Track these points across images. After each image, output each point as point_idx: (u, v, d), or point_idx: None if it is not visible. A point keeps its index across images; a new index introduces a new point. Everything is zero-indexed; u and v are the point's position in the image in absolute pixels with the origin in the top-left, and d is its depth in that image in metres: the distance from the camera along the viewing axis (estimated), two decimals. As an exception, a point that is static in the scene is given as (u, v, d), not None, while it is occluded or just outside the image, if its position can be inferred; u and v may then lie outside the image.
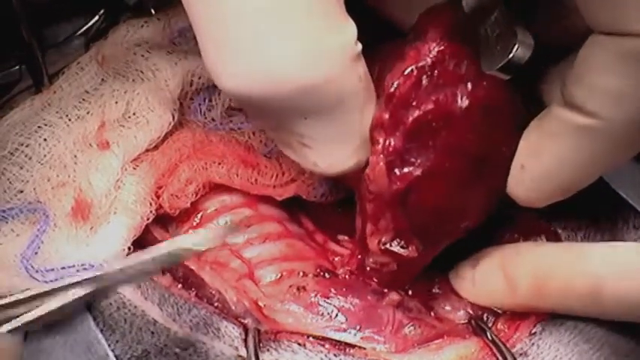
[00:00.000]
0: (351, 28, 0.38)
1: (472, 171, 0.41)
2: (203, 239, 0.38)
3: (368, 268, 0.46)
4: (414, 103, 0.40)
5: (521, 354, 0.42)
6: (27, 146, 0.46)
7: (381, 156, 0.41)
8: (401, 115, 0.40)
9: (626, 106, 0.34)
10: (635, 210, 0.47)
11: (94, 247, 0.43)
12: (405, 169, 0.41)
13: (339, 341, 0.43)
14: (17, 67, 0.48)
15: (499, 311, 0.45)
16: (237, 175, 0.47)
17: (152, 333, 0.41)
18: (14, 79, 0.48)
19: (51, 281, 0.42)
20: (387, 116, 0.40)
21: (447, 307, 0.47)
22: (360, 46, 0.38)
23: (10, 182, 0.45)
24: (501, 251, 0.45)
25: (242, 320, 0.43)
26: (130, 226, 0.44)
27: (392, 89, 0.40)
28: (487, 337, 0.43)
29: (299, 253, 0.48)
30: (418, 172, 0.41)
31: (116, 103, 0.47)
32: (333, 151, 0.41)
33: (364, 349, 0.43)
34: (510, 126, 0.41)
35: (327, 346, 0.42)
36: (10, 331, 0.39)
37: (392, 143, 0.40)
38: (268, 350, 0.41)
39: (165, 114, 0.47)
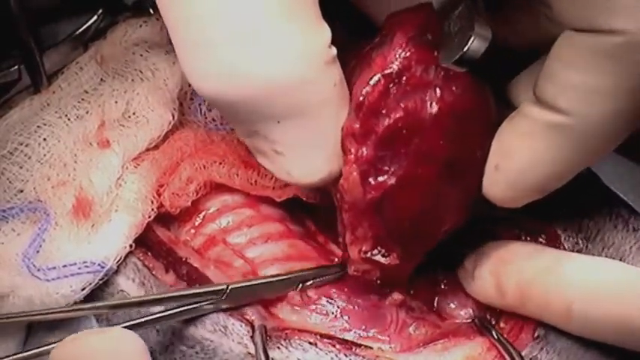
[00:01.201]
0: (325, 32, 0.38)
1: (445, 175, 0.41)
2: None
3: (352, 274, 0.45)
4: (384, 112, 0.39)
5: (531, 358, 0.42)
6: (26, 146, 0.46)
7: (354, 166, 0.40)
8: (371, 124, 0.40)
9: (597, 102, 0.34)
10: (634, 212, 0.47)
11: (96, 245, 0.43)
12: (379, 178, 0.40)
13: (348, 341, 0.43)
14: (16, 67, 0.48)
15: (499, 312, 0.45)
16: (238, 176, 0.47)
17: (157, 331, 0.41)
18: (13, 79, 0.48)
19: (53, 279, 0.42)
20: (357, 125, 0.40)
21: (453, 305, 0.47)
22: (334, 50, 0.38)
23: (9, 182, 0.45)
24: (495, 256, 0.45)
25: (248, 317, 0.43)
26: (132, 223, 0.44)
27: (361, 98, 0.39)
28: (493, 336, 0.43)
29: (301, 253, 0.48)
30: (392, 180, 0.40)
31: (116, 102, 0.47)
32: (306, 158, 0.40)
33: (371, 349, 0.43)
34: (483, 129, 0.41)
35: (337, 346, 0.42)
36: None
37: (364, 152, 0.40)
38: (279, 348, 0.41)
39: (166, 113, 0.47)
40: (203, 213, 0.49)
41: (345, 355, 0.42)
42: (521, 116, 0.37)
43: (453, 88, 0.39)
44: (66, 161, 0.46)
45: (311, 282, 0.44)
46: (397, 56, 0.39)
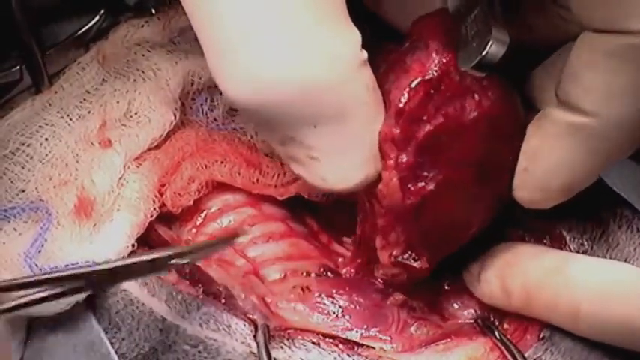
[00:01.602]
0: (355, 35, 0.38)
1: (479, 180, 0.41)
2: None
3: (380, 277, 0.46)
4: (425, 118, 0.40)
5: (535, 359, 0.42)
6: (28, 146, 0.46)
7: (394, 172, 0.40)
8: (412, 130, 0.40)
9: (619, 103, 0.34)
10: (638, 212, 0.47)
11: (98, 245, 0.43)
12: (419, 184, 0.41)
13: (351, 341, 0.43)
14: (17, 68, 0.48)
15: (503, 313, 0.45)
16: (239, 175, 0.47)
17: (160, 330, 0.41)
18: (14, 79, 0.48)
19: (55, 279, 0.42)
20: (397, 131, 0.40)
21: (456, 305, 0.47)
22: (365, 54, 0.38)
23: (11, 182, 0.45)
24: (501, 258, 0.45)
25: (250, 316, 0.43)
26: (134, 223, 0.44)
27: (401, 104, 0.40)
28: (495, 336, 0.43)
29: (303, 252, 0.48)
30: (431, 186, 0.41)
31: (117, 102, 0.47)
32: (342, 163, 0.40)
33: (374, 348, 0.43)
34: (513, 132, 0.41)
35: (340, 345, 0.42)
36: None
37: (404, 159, 0.40)
38: (282, 347, 0.41)
39: (167, 113, 0.47)
40: (204, 212, 0.49)
41: (348, 355, 0.42)
42: (546, 119, 0.37)
43: (489, 94, 0.40)
44: (68, 161, 0.46)
45: (186, 260, 0.39)
46: (436, 62, 0.39)
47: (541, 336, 0.43)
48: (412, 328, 0.45)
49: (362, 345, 0.43)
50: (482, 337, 0.44)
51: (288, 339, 0.42)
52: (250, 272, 0.46)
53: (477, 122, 0.40)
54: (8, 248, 0.43)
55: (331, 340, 0.42)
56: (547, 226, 0.48)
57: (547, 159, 0.38)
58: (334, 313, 0.45)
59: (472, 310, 0.46)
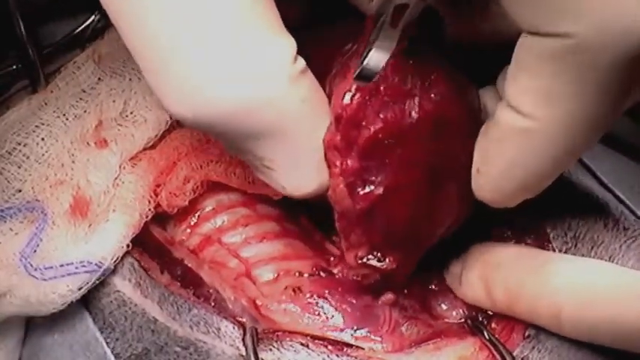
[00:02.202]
0: (286, 47, 0.37)
1: (432, 181, 0.41)
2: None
3: (352, 278, 0.46)
4: (364, 123, 0.39)
5: (522, 358, 0.42)
6: (25, 145, 0.46)
7: (340, 178, 0.40)
8: (353, 135, 0.39)
9: (558, 105, 0.34)
10: (625, 210, 0.47)
11: (93, 245, 0.43)
12: (367, 188, 0.40)
13: (340, 342, 0.43)
14: (13, 67, 0.48)
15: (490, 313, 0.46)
16: (235, 175, 0.47)
17: (152, 331, 0.41)
18: (10, 78, 0.48)
19: (50, 279, 0.42)
20: (338, 138, 0.39)
21: (444, 306, 0.47)
22: (300, 64, 0.38)
23: (8, 181, 0.45)
24: (483, 260, 0.45)
25: (239, 319, 0.43)
26: (129, 223, 0.44)
27: (339, 110, 0.39)
28: (484, 336, 0.43)
29: (296, 252, 0.48)
30: (380, 190, 0.40)
31: (113, 101, 0.47)
32: (294, 173, 0.40)
33: (363, 349, 0.43)
34: (465, 132, 0.40)
35: (329, 347, 0.42)
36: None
37: (349, 164, 0.40)
38: (271, 350, 0.41)
39: (163, 113, 0.47)
40: (199, 212, 0.49)
41: (337, 356, 0.42)
42: (494, 121, 0.37)
43: (432, 96, 0.39)
44: (64, 161, 0.46)
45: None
46: None
47: (527, 334, 0.43)
48: (403, 328, 0.45)
49: (351, 346, 0.43)
50: (471, 337, 0.44)
51: (276, 341, 0.42)
52: (243, 274, 0.46)
53: (420, 125, 0.39)
54: (4, 248, 0.44)
55: (320, 342, 0.42)
56: (531, 222, 0.47)
57: (497, 161, 0.38)
58: (325, 313, 0.45)
59: (460, 311, 0.46)
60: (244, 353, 0.41)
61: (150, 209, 0.45)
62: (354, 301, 0.45)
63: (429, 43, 0.40)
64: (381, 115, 0.39)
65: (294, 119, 0.37)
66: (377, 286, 0.45)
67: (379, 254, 0.43)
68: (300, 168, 0.40)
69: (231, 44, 0.36)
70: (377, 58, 0.36)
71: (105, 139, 0.46)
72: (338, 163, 0.40)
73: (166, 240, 0.46)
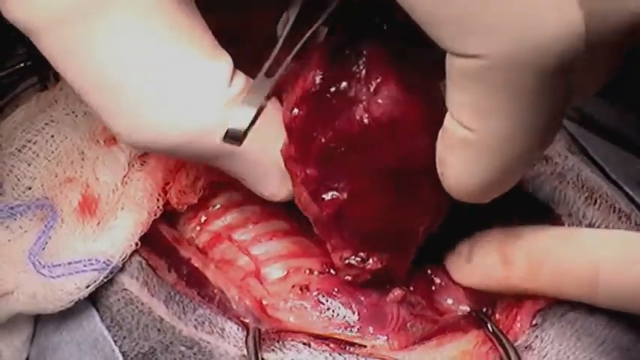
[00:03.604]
0: (221, 71, 0.38)
1: (397, 182, 0.40)
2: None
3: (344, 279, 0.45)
4: (315, 134, 0.39)
5: (526, 347, 0.42)
6: (34, 143, 0.46)
7: (302, 186, 0.40)
8: (306, 145, 0.39)
9: (489, 118, 0.33)
10: (623, 203, 0.47)
11: (101, 243, 0.43)
12: (331, 195, 0.40)
13: (342, 340, 0.43)
14: (22, 65, 0.48)
15: (496, 302, 0.45)
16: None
17: (158, 330, 0.41)
18: (19, 76, 0.48)
19: (58, 277, 0.42)
20: (293, 149, 0.39)
21: (450, 300, 0.46)
22: (238, 84, 0.38)
23: (18, 179, 0.45)
24: (501, 232, 0.43)
25: (243, 319, 0.43)
26: (138, 221, 0.44)
27: (289, 123, 0.39)
28: (488, 329, 0.42)
29: (306, 249, 0.47)
30: (344, 195, 0.40)
31: (123, 99, 0.47)
32: (262, 182, 0.42)
33: (365, 347, 0.43)
34: (426, 131, 0.39)
35: (331, 345, 0.42)
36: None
37: (308, 173, 0.40)
38: (273, 350, 0.41)
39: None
40: (208, 210, 0.49)
41: (339, 354, 0.41)
42: (444, 129, 0.36)
43: (379, 101, 0.38)
44: (73, 158, 0.46)
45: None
46: (315, 76, 0.38)
47: (533, 323, 0.43)
48: (409, 325, 0.44)
49: (354, 344, 0.43)
50: (475, 330, 0.43)
51: (279, 341, 0.41)
52: (251, 273, 0.46)
53: (371, 130, 0.38)
54: (13, 246, 0.44)
55: (321, 340, 0.42)
56: (544, 210, 0.47)
57: (451, 168, 0.37)
58: (333, 311, 0.45)
59: (466, 305, 0.46)
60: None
61: (159, 207, 0.45)
62: (363, 299, 0.45)
63: (372, 43, 0.38)
64: (330, 124, 0.38)
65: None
66: (382, 283, 0.45)
67: (363, 255, 0.43)
68: (266, 178, 0.41)
69: (169, 79, 0.37)
70: (243, 116, 0.34)
71: (114, 137, 0.46)
72: (298, 172, 0.40)
73: (174, 238, 0.46)
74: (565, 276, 0.40)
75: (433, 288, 0.47)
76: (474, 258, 0.44)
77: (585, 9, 0.31)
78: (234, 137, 0.34)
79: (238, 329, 0.42)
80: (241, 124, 0.34)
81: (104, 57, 0.37)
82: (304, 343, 0.41)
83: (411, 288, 0.46)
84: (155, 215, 0.45)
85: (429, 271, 0.47)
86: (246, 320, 0.43)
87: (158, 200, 0.45)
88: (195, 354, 0.40)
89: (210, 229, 0.48)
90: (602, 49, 0.34)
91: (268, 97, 0.35)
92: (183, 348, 0.40)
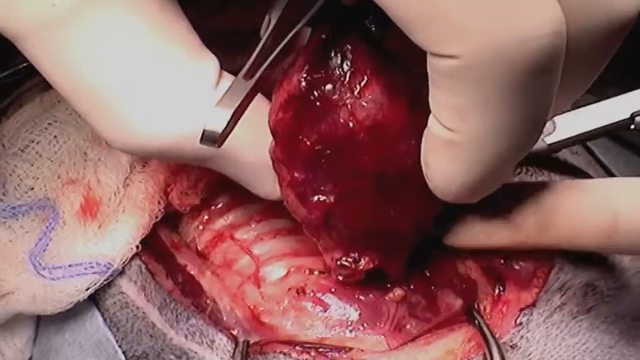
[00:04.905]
0: (207, 73, 0.38)
1: (384, 184, 0.40)
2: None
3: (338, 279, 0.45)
4: (300, 137, 0.38)
5: (511, 346, 0.42)
6: (37, 143, 0.46)
7: (289, 189, 0.40)
8: (291, 148, 0.39)
9: (470, 118, 0.32)
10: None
11: (102, 246, 0.43)
12: (318, 198, 0.40)
13: (333, 345, 0.42)
14: (25, 64, 0.48)
15: (485, 301, 0.45)
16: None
17: (150, 336, 0.41)
18: (23, 76, 0.48)
19: (58, 279, 0.42)
20: (279, 151, 0.39)
21: (447, 299, 0.46)
22: (224, 89, 0.37)
23: (20, 179, 0.45)
24: (511, 192, 0.42)
25: (232, 332, 0.43)
26: (139, 224, 0.44)
27: (273, 126, 0.38)
28: (475, 325, 0.42)
29: (308, 248, 0.47)
30: (331, 198, 0.39)
31: (126, 99, 0.47)
32: (255, 182, 0.41)
33: (352, 349, 0.42)
34: (411, 131, 0.38)
35: (312, 353, 0.42)
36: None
37: (295, 176, 0.39)
38: (256, 363, 0.41)
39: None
40: (211, 208, 0.49)
41: None
42: (427, 130, 0.35)
43: (364, 104, 0.37)
44: (76, 160, 0.46)
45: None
46: (301, 79, 0.37)
47: (517, 322, 0.42)
48: (407, 324, 0.44)
49: (344, 348, 0.42)
50: (464, 328, 0.43)
51: (261, 354, 0.41)
52: (249, 277, 0.46)
53: (355, 133, 0.38)
54: (15, 246, 0.44)
55: (301, 348, 0.42)
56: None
57: (436, 169, 0.36)
58: (329, 312, 0.45)
59: (460, 301, 0.45)
60: (234, 366, 0.41)
61: (160, 210, 0.45)
62: (363, 298, 0.45)
63: (356, 45, 0.38)
64: (315, 128, 0.38)
65: (228, 141, 0.36)
66: (382, 281, 0.45)
67: (355, 255, 0.42)
68: (259, 178, 0.41)
69: (155, 83, 0.37)
70: (219, 118, 0.33)
71: (115, 138, 0.46)
72: (285, 175, 0.39)
73: (173, 244, 0.46)
74: (579, 228, 0.39)
75: (433, 287, 0.46)
76: (481, 220, 0.43)
77: (566, 7, 0.30)
78: (211, 139, 0.33)
79: (227, 341, 0.42)
80: (217, 126, 0.33)
81: (88, 61, 0.37)
82: (284, 354, 0.41)
83: (412, 287, 0.46)
84: (156, 218, 0.45)
85: (430, 270, 0.47)
86: (235, 332, 0.43)
87: (159, 203, 0.45)
88: (184, 363, 0.40)
89: (213, 227, 0.48)
90: (586, 48, 0.33)
91: (250, 99, 0.35)
92: (172, 356, 0.40)
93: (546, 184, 0.41)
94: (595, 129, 0.48)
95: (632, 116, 0.49)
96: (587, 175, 0.51)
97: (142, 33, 0.37)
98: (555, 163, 0.50)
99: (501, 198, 0.41)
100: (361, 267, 0.42)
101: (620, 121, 0.48)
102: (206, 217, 0.49)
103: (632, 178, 0.40)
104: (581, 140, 0.49)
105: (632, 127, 0.49)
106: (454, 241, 0.44)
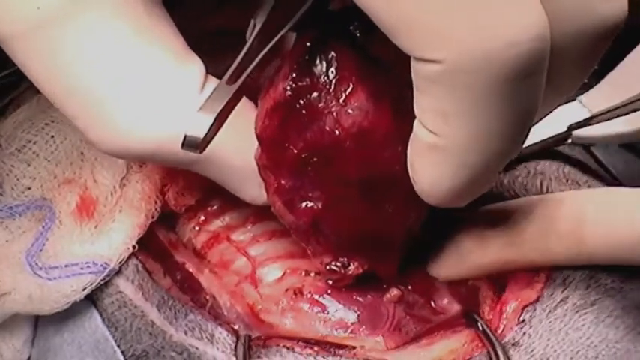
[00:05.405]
0: (193, 76, 0.38)
1: (371, 190, 0.39)
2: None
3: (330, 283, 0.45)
4: (286, 144, 0.38)
5: (513, 343, 0.41)
6: (34, 143, 0.46)
7: (276, 196, 0.40)
8: (277, 156, 0.38)
9: (453, 123, 0.32)
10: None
11: (99, 245, 0.43)
12: (306, 205, 0.40)
13: (328, 342, 0.42)
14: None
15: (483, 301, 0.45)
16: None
17: (150, 334, 0.41)
18: (21, 76, 0.48)
19: (55, 278, 0.42)
20: (265, 158, 0.39)
21: (446, 300, 0.46)
22: (207, 91, 0.37)
23: (17, 179, 0.45)
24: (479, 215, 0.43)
25: (233, 326, 0.43)
26: (135, 224, 0.44)
27: (259, 133, 0.38)
28: (478, 327, 0.42)
29: (303, 250, 0.46)
30: (319, 205, 0.39)
31: (123, 99, 0.47)
32: (240, 187, 0.41)
33: (354, 347, 0.42)
34: (396, 137, 0.38)
35: (315, 348, 0.42)
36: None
37: (282, 183, 0.39)
38: (259, 357, 0.41)
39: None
40: (207, 210, 0.49)
41: (323, 357, 0.41)
42: (413, 135, 0.35)
43: (349, 111, 0.37)
44: (72, 159, 0.46)
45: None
46: (287, 86, 0.37)
47: (520, 319, 0.42)
48: (405, 324, 0.44)
49: (345, 346, 0.42)
50: (466, 329, 0.43)
51: (263, 347, 0.41)
52: (246, 277, 0.46)
53: (342, 141, 0.38)
54: (12, 246, 0.44)
55: (304, 343, 0.42)
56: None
57: (422, 174, 0.36)
58: (326, 312, 0.45)
59: (459, 304, 0.46)
60: (236, 360, 0.41)
61: (156, 209, 0.45)
62: (360, 299, 0.45)
63: (342, 51, 0.37)
64: (301, 135, 0.38)
65: (213, 146, 0.36)
66: (379, 282, 0.45)
67: (344, 260, 0.42)
68: (245, 183, 0.41)
69: (139, 86, 0.37)
70: (200, 123, 0.33)
71: (113, 138, 0.46)
72: (271, 182, 0.39)
73: (170, 242, 0.46)
74: (551, 227, 0.40)
75: (431, 287, 0.46)
76: (449, 249, 0.44)
77: (550, 11, 0.30)
78: (193, 145, 0.33)
79: (228, 335, 0.42)
80: (198, 132, 0.33)
81: (72, 64, 0.37)
82: (288, 348, 0.41)
83: (409, 287, 0.46)
84: (153, 218, 0.45)
85: (428, 270, 0.46)
86: (236, 327, 0.43)
87: (156, 203, 0.45)
88: (185, 359, 0.40)
89: (209, 229, 0.48)
90: (572, 52, 0.33)
91: (233, 103, 0.35)
92: (173, 353, 0.40)
93: (513, 202, 0.42)
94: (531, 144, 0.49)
95: (569, 129, 0.49)
96: (589, 170, 0.51)
97: (126, 36, 0.37)
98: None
99: (475, 221, 0.43)
100: (350, 271, 0.42)
101: (556, 135, 0.49)
102: (202, 218, 0.49)
103: (599, 188, 0.42)
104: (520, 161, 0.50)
105: (569, 141, 0.49)
106: (437, 273, 0.45)
